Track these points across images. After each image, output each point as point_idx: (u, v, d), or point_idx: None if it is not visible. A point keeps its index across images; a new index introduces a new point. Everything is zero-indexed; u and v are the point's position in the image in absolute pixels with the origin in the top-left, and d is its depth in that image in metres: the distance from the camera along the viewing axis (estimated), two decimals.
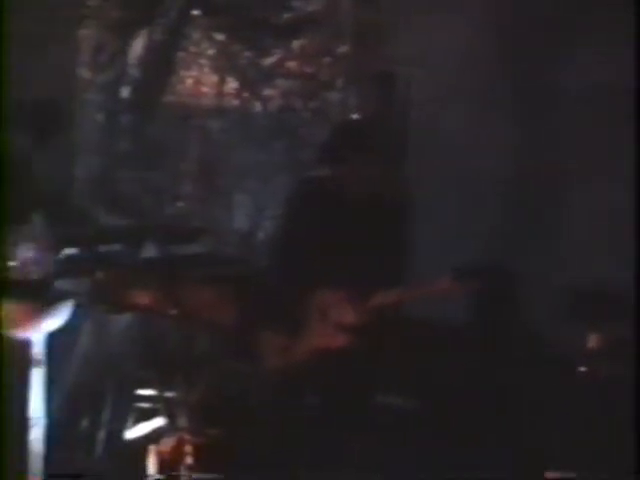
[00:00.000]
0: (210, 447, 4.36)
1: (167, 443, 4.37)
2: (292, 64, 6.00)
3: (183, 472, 4.23)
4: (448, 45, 5.54)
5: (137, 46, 6.22)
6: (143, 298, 4.41)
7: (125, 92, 6.28)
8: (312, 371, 4.38)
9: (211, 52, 6.13)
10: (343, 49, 5.91)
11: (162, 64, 6.21)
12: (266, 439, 4.45)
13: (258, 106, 6.08)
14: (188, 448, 4.30)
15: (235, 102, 6.12)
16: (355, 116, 5.83)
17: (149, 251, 4.75)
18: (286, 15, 5.97)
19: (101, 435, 4.78)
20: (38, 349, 4.55)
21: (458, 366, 4.87)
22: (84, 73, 6.31)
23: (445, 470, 4.45)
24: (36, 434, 4.47)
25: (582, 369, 4.70)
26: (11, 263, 4.33)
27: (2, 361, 4.65)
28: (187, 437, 4.33)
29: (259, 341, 4.50)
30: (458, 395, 4.78)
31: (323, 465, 4.32)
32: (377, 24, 5.79)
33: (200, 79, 6.17)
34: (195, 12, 6.13)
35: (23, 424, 4.42)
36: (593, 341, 4.66)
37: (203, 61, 6.15)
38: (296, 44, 5.98)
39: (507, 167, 5.59)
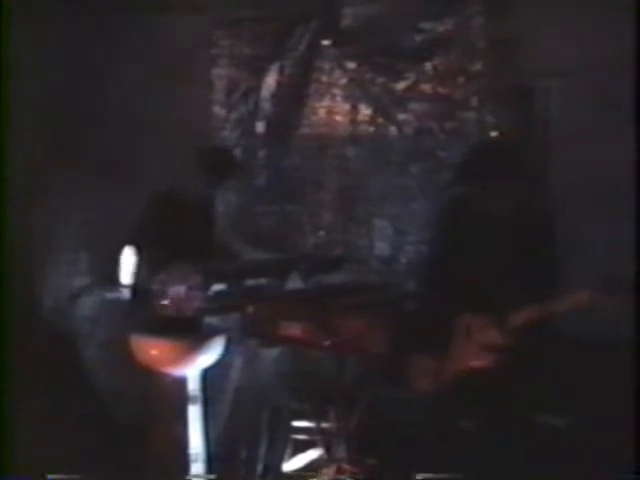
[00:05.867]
0: (369, 476, 4.32)
1: (326, 474, 4.36)
2: (426, 86, 5.96)
3: None
4: (585, 54, 5.42)
5: (269, 81, 6.29)
6: (293, 330, 4.42)
7: (260, 127, 6.35)
8: (464, 393, 4.33)
9: (343, 81, 6.15)
10: (477, 67, 5.83)
11: (295, 97, 6.25)
12: (424, 464, 4.40)
13: (393, 131, 6.05)
14: (347, 478, 4.28)
15: (370, 129, 6.11)
16: (493, 134, 5.76)
17: (295, 282, 4.77)
18: (417, 37, 5.94)
19: (259, 468, 4.80)
20: (194, 385, 4.62)
21: (612, 382, 4.73)
22: (218, 111, 6.42)
23: None
24: (197, 469, 4.53)
25: None
26: (164, 302, 4.41)
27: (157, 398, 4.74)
28: (346, 467, 4.31)
29: (409, 366, 4.47)
30: (613, 412, 4.64)
31: None
32: (509, 39, 5.71)
33: (333, 108, 6.18)
34: (324, 42, 6.16)
35: (184, 460, 4.49)
36: None
37: (335, 90, 6.17)
38: (428, 66, 5.95)
39: None
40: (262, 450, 4.80)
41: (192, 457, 4.56)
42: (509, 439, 4.34)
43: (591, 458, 4.50)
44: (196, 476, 4.51)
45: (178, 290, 4.44)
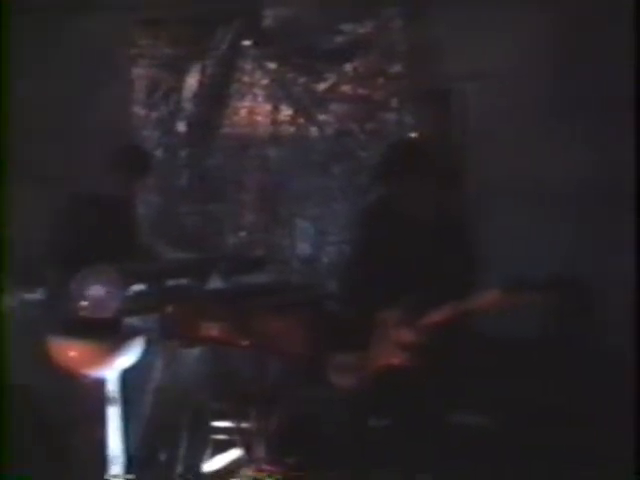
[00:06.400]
0: (289, 476, 4.34)
1: (246, 474, 4.37)
2: (346, 87, 6.00)
3: None
4: (503, 57, 5.52)
5: (191, 81, 6.28)
6: (213, 330, 4.42)
7: (181, 127, 6.34)
8: (384, 392, 4.37)
9: (264, 81, 6.16)
10: (396, 69, 5.90)
11: (216, 97, 6.25)
12: (344, 463, 4.43)
13: (314, 131, 6.09)
14: (267, 478, 4.29)
15: (291, 129, 6.14)
16: (412, 135, 5.82)
17: (215, 283, 4.77)
18: (337, 39, 5.98)
19: (179, 469, 4.78)
20: (113, 387, 4.58)
21: (530, 381, 4.82)
22: (139, 111, 6.39)
23: None
24: (115, 471, 4.50)
25: None
26: (82, 303, 4.37)
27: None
28: (265, 467, 4.32)
29: (330, 365, 4.50)
30: (530, 410, 4.72)
31: None
32: (428, 42, 5.78)
33: (255, 109, 6.19)
34: (246, 43, 6.17)
35: (102, 462, 4.45)
36: None
37: (257, 91, 6.18)
38: (349, 67, 5.99)
39: (570, 178, 5.53)
40: (182, 451, 4.78)
41: (111, 459, 4.53)
42: (427, 437, 4.39)
43: (507, 457, 4.57)
44: (115, 476, 4.49)
45: (97, 291, 4.41)
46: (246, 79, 6.20)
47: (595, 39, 5.43)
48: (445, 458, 4.38)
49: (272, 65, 6.14)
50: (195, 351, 4.88)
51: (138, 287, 4.54)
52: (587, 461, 4.46)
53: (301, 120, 6.11)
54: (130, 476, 4.46)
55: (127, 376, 4.64)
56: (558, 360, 4.89)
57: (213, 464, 4.86)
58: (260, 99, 6.19)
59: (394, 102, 5.92)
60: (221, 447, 4.87)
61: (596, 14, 5.44)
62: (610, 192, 5.48)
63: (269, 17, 6.13)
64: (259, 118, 6.19)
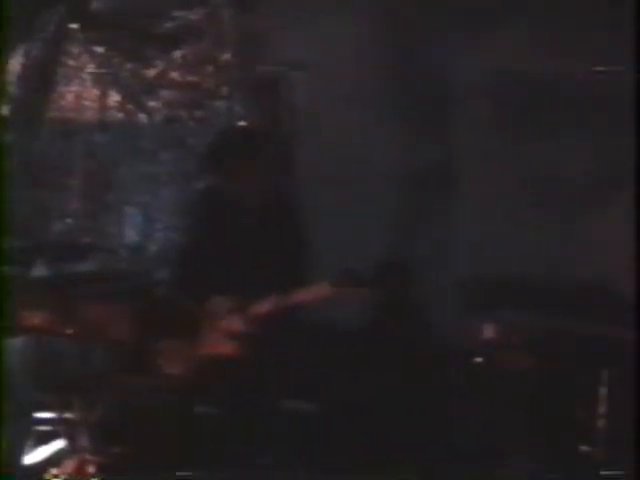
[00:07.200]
0: (113, 466, 4.30)
1: (68, 465, 4.30)
2: (175, 74, 5.99)
3: None
4: (332, 46, 5.60)
5: (16, 63, 6.12)
6: (37, 318, 4.34)
7: (5, 110, 6.17)
8: (211, 380, 4.39)
9: (92, 66, 6.07)
10: (226, 57, 5.92)
11: (42, 80, 6.11)
12: (170, 452, 4.43)
13: (143, 118, 6.05)
14: (91, 468, 4.24)
15: (120, 115, 6.07)
16: (240, 123, 5.85)
17: (40, 270, 4.67)
18: (167, 25, 5.96)
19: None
20: None
21: (356, 369, 4.91)
22: None
23: (349, 472, 4.48)
24: None
25: (478, 360, 4.76)
26: None
27: None
28: (89, 457, 4.27)
29: (157, 354, 4.49)
30: (358, 397, 4.82)
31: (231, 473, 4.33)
32: (258, 30, 5.82)
33: (82, 94, 6.10)
34: (73, 26, 6.05)
35: None
36: (489, 332, 4.72)
37: (84, 75, 6.08)
38: (178, 54, 5.97)
39: (397, 165, 5.66)
40: (3, 444, 4.67)
41: None
42: (257, 424, 4.43)
43: (339, 442, 4.65)
44: None
45: None
46: (73, 63, 6.09)
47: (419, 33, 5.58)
48: (271, 444, 4.43)
49: (100, 49, 6.05)
50: (18, 341, 4.77)
51: None
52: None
53: (130, 106, 6.06)
54: None
55: None
56: (386, 349, 5.01)
57: (35, 456, 4.77)
58: (88, 84, 6.10)
59: (224, 90, 5.95)
60: (44, 438, 4.78)
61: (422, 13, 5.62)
62: (443, 182, 5.65)
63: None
64: (86, 103, 6.10)
